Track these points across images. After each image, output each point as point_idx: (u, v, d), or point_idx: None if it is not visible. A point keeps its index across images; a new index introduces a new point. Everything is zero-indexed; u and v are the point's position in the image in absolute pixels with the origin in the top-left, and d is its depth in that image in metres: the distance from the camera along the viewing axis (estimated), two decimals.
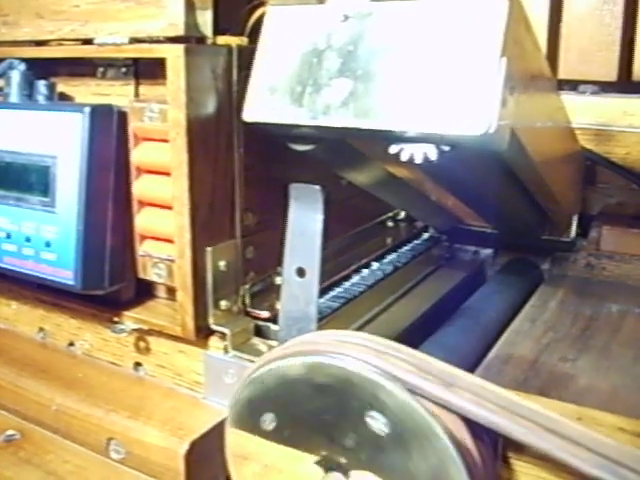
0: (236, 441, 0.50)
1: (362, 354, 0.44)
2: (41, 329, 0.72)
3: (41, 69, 0.65)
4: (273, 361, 0.47)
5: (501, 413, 0.42)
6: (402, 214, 0.90)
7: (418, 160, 0.47)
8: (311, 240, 0.52)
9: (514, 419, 0.42)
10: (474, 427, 0.43)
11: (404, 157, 0.47)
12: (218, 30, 0.58)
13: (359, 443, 0.45)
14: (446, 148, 0.46)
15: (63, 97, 0.65)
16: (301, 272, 0.52)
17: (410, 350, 0.46)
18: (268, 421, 0.47)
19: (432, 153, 0.46)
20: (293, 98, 0.49)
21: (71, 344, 0.70)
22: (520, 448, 0.45)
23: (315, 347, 0.46)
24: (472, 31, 0.44)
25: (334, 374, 0.44)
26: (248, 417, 0.48)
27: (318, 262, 0.52)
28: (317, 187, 0.51)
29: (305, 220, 0.52)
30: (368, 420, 0.44)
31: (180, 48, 0.52)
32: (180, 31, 0.54)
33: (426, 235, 0.92)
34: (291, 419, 0.47)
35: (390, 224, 0.88)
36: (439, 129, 0.44)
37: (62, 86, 0.65)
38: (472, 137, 0.43)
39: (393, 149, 0.47)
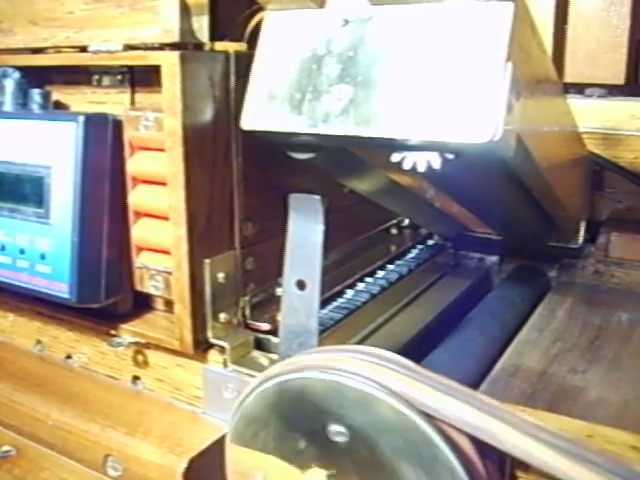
0: (236, 457, 0.48)
1: (366, 370, 0.43)
2: (38, 342, 0.71)
3: (36, 77, 0.63)
4: (275, 377, 0.45)
5: (508, 431, 0.41)
6: (406, 221, 0.88)
7: (421, 169, 0.45)
8: (311, 252, 0.50)
9: (521, 438, 0.40)
10: (481, 445, 0.42)
11: (406, 166, 0.46)
12: (217, 36, 0.57)
13: (364, 460, 0.43)
14: (450, 156, 0.45)
15: (58, 105, 0.64)
16: (301, 285, 0.51)
17: (415, 365, 0.44)
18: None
19: (435, 161, 0.45)
20: (292, 105, 0.48)
21: (68, 357, 0.69)
22: (528, 466, 0.43)
23: (318, 363, 0.45)
24: (476, 35, 0.43)
25: (338, 390, 0.43)
26: (248, 433, 0.47)
27: (319, 274, 0.50)
28: (317, 197, 0.50)
29: (305, 231, 0.51)
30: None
31: (175, 55, 0.51)
32: (175, 37, 0.52)
33: (431, 242, 0.91)
34: (293, 435, 0.45)
35: (394, 231, 0.86)
36: (443, 137, 0.43)
37: (57, 94, 0.64)
38: (477, 145, 0.42)
39: (395, 157, 0.46)
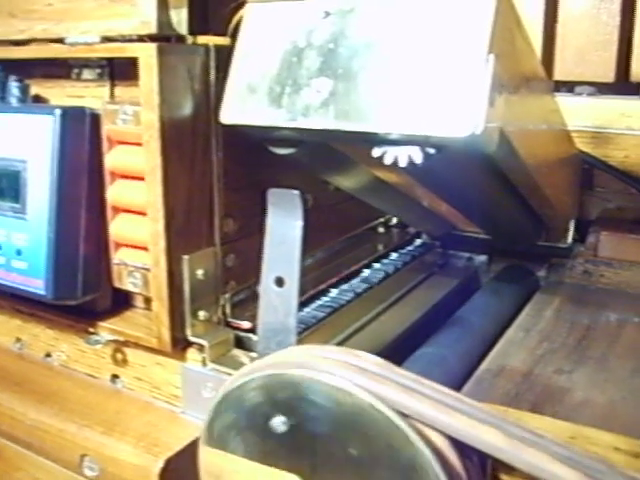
0: (209, 460, 0.47)
1: (342, 370, 0.42)
2: (18, 339, 0.70)
3: (16, 70, 0.62)
4: (248, 376, 0.44)
5: (490, 433, 0.40)
6: (394, 220, 0.87)
7: (402, 163, 0.44)
8: (290, 248, 0.49)
9: (502, 439, 0.39)
10: (461, 446, 0.41)
11: (388, 160, 0.45)
12: (207, 30, 0.56)
13: (338, 462, 0.42)
14: (432, 151, 0.44)
15: (38, 99, 0.63)
16: (280, 282, 0.50)
17: (393, 366, 0.44)
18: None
19: (417, 156, 0.44)
20: (272, 99, 0.47)
21: (48, 355, 0.68)
22: (511, 468, 0.42)
23: (294, 363, 0.44)
24: (458, 27, 0.42)
25: (313, 389, 0.42)
26: (221, 435, 0.46)
27: (298, 271, 0.49)
28: (296, 192, 0.49)
29: (284, 227, 0.50)
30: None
31: (152, 47, 0.50)
32: (152, 29, 0.51)
33: (419, 241, 0.90)
34: (267, 437, 0.44)
35: (381, 230, 0.85)
36: (423, 130, 0.42)
37: (37, 88, 0.63)
38: (458, 139, 0.41)
39: (376, 152, 0.45)
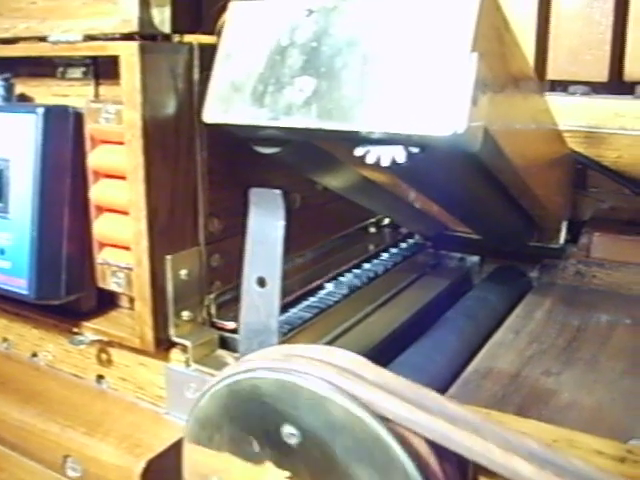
0: (198, 459, 0.47)
1: (319, 371, 0.41)
2: (5, 339, 0.70)
3: (1, 69, 0.62)
4: (227, 377, 0.44)
5: (468, 436, 0.39)
6: (386, 220, 0.87)
7: (385, 163, 0.44)
8: (272, 248, 0.49)
9: (481, 442, 0.39)
10: (441, 450, 0.40)
11: (370, 160, 0.44)
12: (198, 29, 0.56)
13: (317, 462, 0.42)
14: (415, 150, 0.43)
15: (23, 98, 0.63)
16: (262, 282, 0.49)
17: (373, 366, 0.43)
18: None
19: (400, 155, 0.43)
20: (254, 98, 0.47)
21: (34, 355, 0.67)
22: (492, 472, 0.42)
23: (275, 363, 0.43)
24: (441, 25, 0.42)
25: (291, 390, 0.41)
26: (203, 434, 0.45)
27: (280, 271, 0.49)
28: (277, 192, 0.48)
29: (265, 227, 0.49)
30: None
31: (134, 45, 0.49)
32: (134, 27, 0.51)
33: (410, 241, 0.89)
34: (246, 436, 0.44)
35: (373, 230, 0.85)
36: (406, 129, 0.42)
37: (22, 87, 0.62)
38: (440, 138, 0.41)
39: (359, 151, 0.44)
